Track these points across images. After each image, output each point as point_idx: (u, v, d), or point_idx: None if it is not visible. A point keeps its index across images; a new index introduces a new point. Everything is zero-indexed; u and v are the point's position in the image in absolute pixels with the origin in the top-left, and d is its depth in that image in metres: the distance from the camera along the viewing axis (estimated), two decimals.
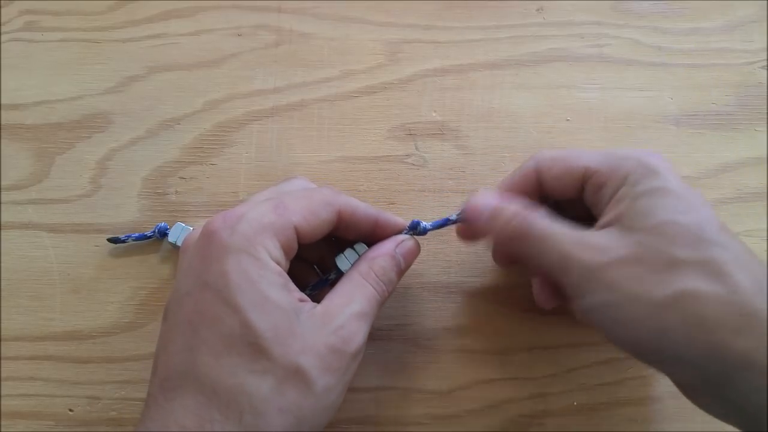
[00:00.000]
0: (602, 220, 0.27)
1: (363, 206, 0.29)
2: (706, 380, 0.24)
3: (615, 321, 0.25)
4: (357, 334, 0.26)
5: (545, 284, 0.30)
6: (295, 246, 0.27)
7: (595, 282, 0.25)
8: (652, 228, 0.25)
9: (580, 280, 0.26)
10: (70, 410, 0.33)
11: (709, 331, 0.23)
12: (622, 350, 0.27)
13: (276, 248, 0.25)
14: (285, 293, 0.25)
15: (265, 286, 0.24)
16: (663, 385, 0.33)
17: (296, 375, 0.24)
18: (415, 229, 0.30)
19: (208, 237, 0.25)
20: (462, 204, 0.30)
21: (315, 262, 0.32)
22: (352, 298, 0.27)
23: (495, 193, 0.30)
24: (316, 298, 0.27)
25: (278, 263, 0.25)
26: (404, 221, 0.30)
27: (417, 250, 0.30)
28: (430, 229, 0.31)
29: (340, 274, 0.29)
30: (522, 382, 0.34)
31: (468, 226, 0.30)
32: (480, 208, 0.29)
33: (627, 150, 0.28)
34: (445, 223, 0.31)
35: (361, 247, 0.30)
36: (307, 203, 0.27)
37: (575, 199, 0.29)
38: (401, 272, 0.29)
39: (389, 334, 0.34)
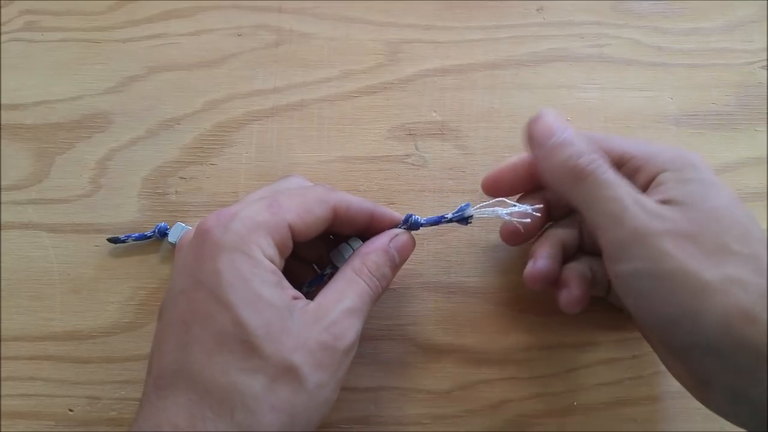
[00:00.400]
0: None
1: (357, 201, 0.29)
2: (729, 372, 0.24)
3: (654, 292, 0.25)
4: (349, 330, 0.26)
5: (546, 252, 0.30)
6: (290, 244, 0.27)
7: (645, 247, 0.25)
8: (708, 211, 0.25)
9: (629, 241, 0.25)
10: (70, 410, 0.33)
11: (748, 322, 0.23)
12: (648, 328, 0.27)
13: (270, 246, 0.25)
14: (278, 291, 0.25)
15: (258, 284, 0.24)
16: (662, 385, 0.33)
17: (288, 372, 0.24)
18: (406, 222, 0.30)
19: (201, 236, 0.25)
20: (460, 203, 0.30)
21: (313, 261, 0.32)
22: (345, 295, 0.27)
23: (564, 120, 0.28)
24: (313, 295, 0.27)
25: (272, 261, 0.25)
26: (399, 215, 0.30)
27: (412, 243, 0.30)
28: (423, 224, 0.30)
29: (335, 270, 0.29)
30: (522, 382, 0.33)
31: (529, 144, 0.28)
32: (552, 130, 0.27)
33: (661, 145, 0.28)
34: (440, 220, 0.30)
35: (356, 242, 0.30)
36: (301, 201, 0.27)
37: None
38: (396, 267, 0.29)
39: (389, 334, 0.34)
